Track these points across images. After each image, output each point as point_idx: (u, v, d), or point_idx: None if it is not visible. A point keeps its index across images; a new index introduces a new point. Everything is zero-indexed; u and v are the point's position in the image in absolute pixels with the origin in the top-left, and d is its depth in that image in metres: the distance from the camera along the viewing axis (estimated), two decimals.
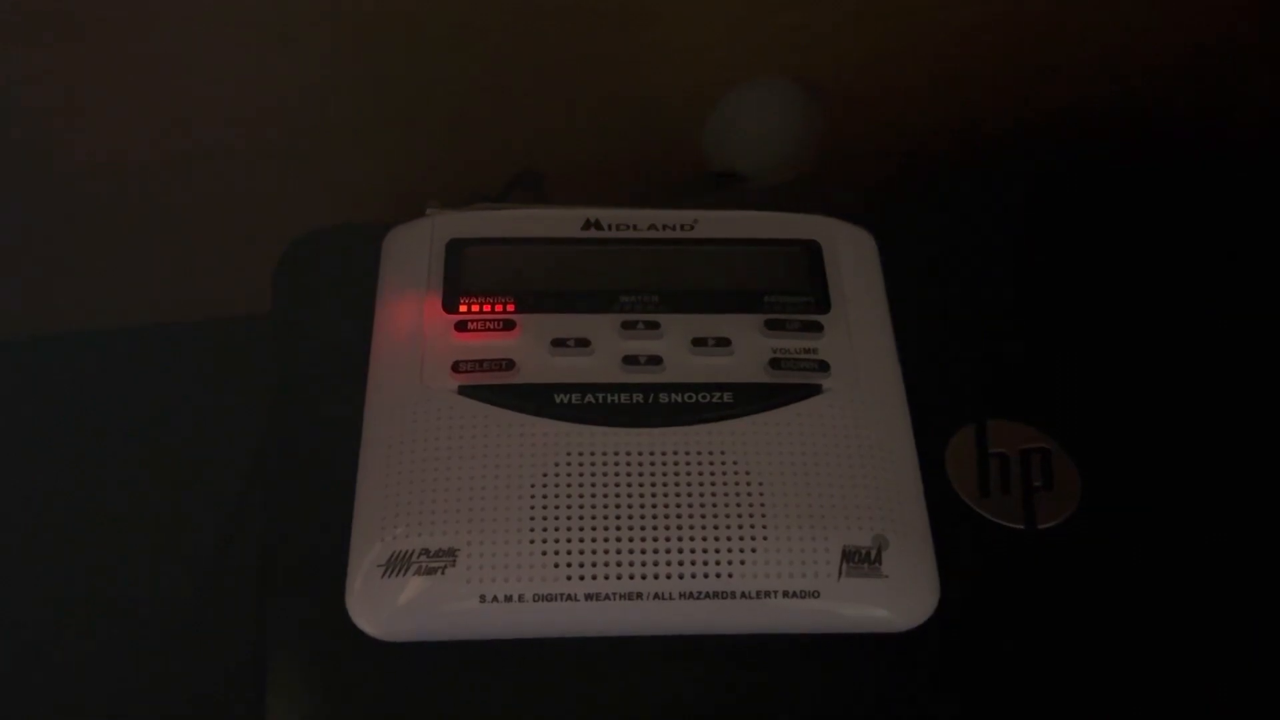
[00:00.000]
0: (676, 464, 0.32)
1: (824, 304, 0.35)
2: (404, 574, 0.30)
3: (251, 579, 0.34)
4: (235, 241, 0.48)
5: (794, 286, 0.36)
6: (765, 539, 0.31)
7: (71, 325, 0.53)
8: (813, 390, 0.33)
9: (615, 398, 0.33)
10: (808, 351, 0.34)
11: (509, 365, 0.33)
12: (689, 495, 0.31)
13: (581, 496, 0.31)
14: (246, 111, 0.49)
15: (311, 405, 0.36)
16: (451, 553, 0.30)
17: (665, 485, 0.31)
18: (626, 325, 0.34)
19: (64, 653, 0.42)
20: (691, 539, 0.30)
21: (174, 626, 0.42)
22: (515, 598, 0.30)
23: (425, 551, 0.30)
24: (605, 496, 0.31)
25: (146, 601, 0.43)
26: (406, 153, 0.51)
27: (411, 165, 0.51)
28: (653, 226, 0.37)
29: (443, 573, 0.30)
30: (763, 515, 0.31)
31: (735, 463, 0.32)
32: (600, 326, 0.34)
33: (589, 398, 0.33)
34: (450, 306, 0.35)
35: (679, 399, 0.33)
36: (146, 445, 0.47)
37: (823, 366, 0.34)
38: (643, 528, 0.30)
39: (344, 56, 0.48)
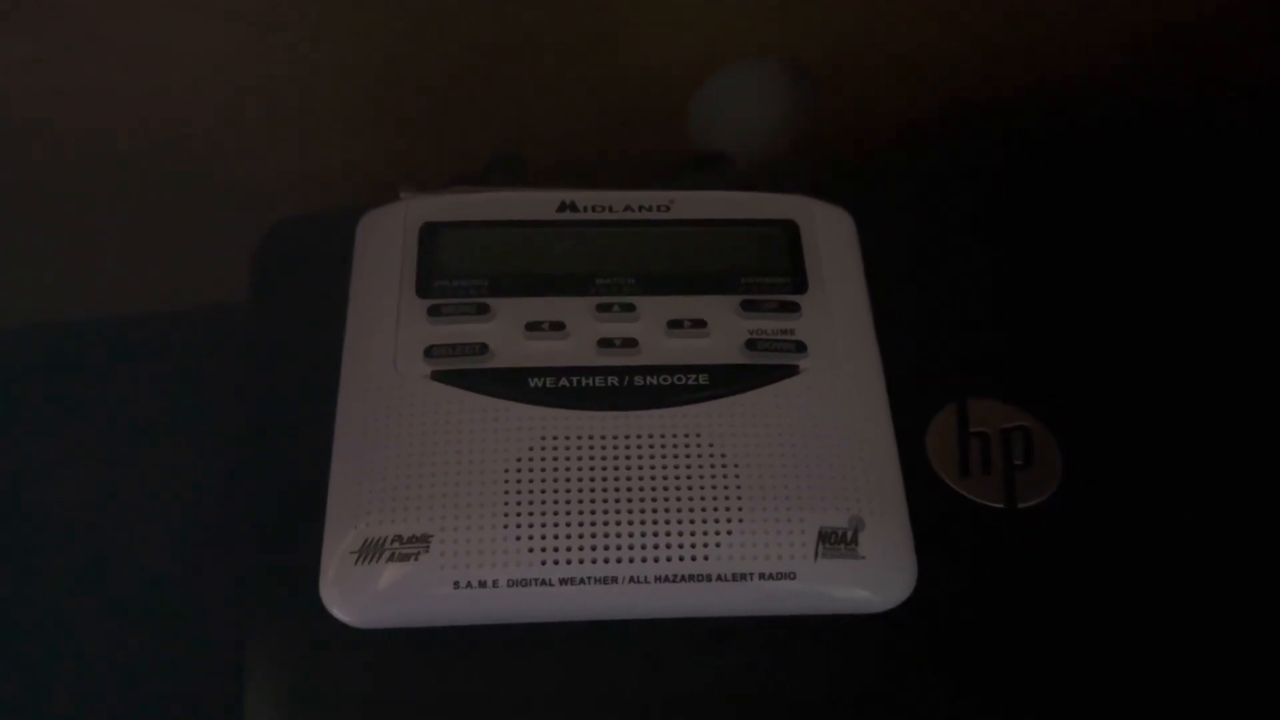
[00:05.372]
0: (652, 447, 0.31)
1: (801, 284, 0.35)
2: (377, 561, 0.30)
3: (227, 568, 0.34)
4: (210, 229, 0.48)
5: (771, 267, 0.35)
6: (741, 521, 0.30)
7: (44, 316, 0.52)
8: (790, 371, 0.33)
9: (590, 381, 0.32)
10: (785, 332, 0.34)
11: (483, 350, 0.33)
12: (664, 478, 0.31)
13: (556, 481, 0.31)
14: (221, 99, 0.49)
15: (287, 393, 0.36)
16: (425, 539, 0.30)
17: (641, 468, 0.31)
18: (602, 308, 0.34)
19: (40, 640, 0.42)
20: (667, 522, 0.30)
21: (150, 616, 0.42)
22: (490, 583, 0.30)
23: (398, 538, 0.30)
24: (580, 480, 0.31)
25: (122, 591, 0.43)
26: (383, 139, 0.51)
27: (388, 151, 0.51)
28: (629, 208, 0.36)
29: (416, 559, 0.30)
30: (739, 497, 0.31)
31: (711, 445, 0.31)
32: (575, 310, 0.34)
33: (564, 381, 0.32)
34: (424, 291, 0.34)
35: (655, 381, 0.32)
36: (120, 435, 0.47)
37: (800, 347, 0.33)
38: (618, 511, 0.30)
39: (318, 43, 0.48)
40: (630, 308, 0.34)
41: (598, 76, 0.51)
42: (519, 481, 0.31)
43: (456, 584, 0.30)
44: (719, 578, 0.30)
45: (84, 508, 0.45)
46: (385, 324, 0.34)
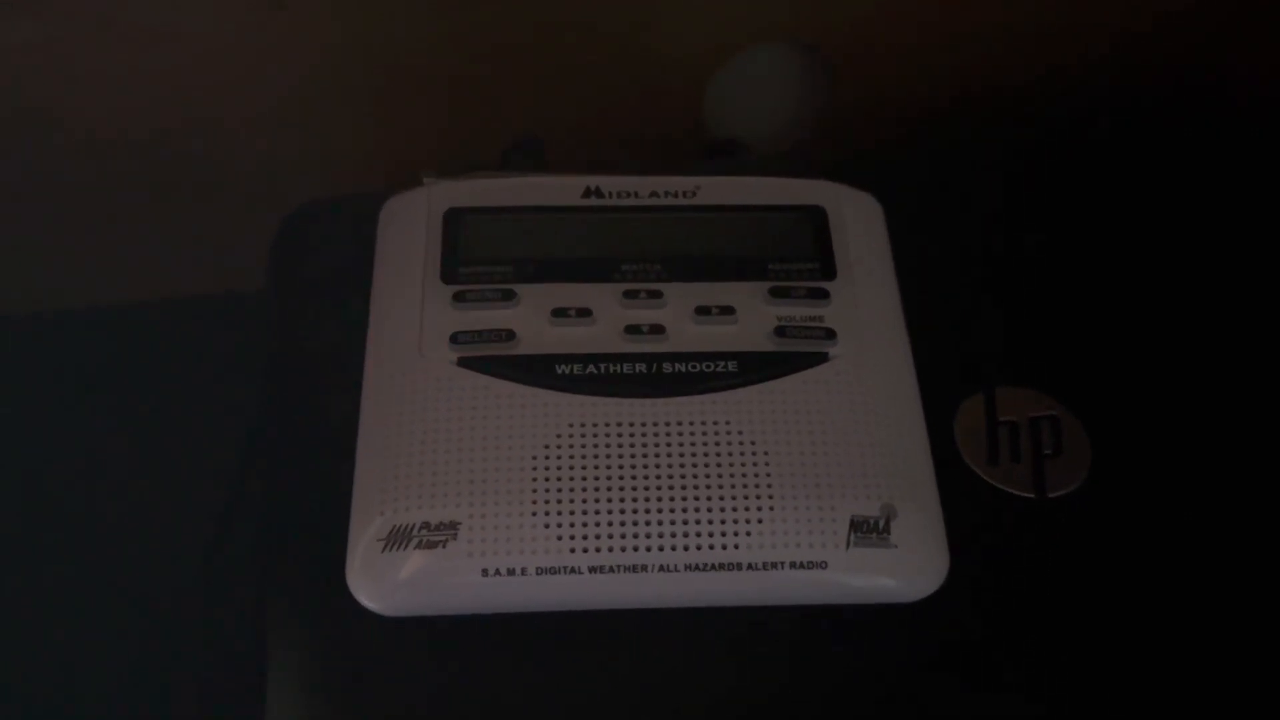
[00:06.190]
0: (681, 434, 0.31)
1: (829, 270, 0.35)
2: (405, 548, 0.30)
3: (252, 556, 0.34)
4: (229, 215, 0.47)
5: (799, 253, 0.35)
6: (771, 509, 0.30)
7: (66, 303, 0.52)
8: (819, 358, 0.33)
9: (618, 368, 0.32)
10: (813, 319, 0.33)
11: (509, 336, 0.33)
12: (694, 466, 0.31)
13: (584, 468, 0.30)
14: (239, 84, 0.49)
15: (310, 380, 0.36)
16: (453, 526, 0.30)
17: (669, 456, 0.31)
18: (628, 294, 0.33)
19: (62, 631, 0.42)
20: (697, 510, 0.30)
21: (174, 604, 0.41)
22: (518, 571, 0.29)
23: (426, 525, 0.30)
24: (609, 468, 0.30)
25: (146, 579, 0.42)
26: (403, 122, 0.51)
27: (409, 135, 0.50)
28: (654, 194, 0.36)
29: (444, 546, 0.29)
30: (769, 485, 0.30)
31: (740, 432, 0.31)
32: (602, 296, 0.33)
33: (591, 368, 0.32)
34: (448, 277, 0.34)
35: (682, 368, 0.32)
36: (144, 423, 0.47)
37: (829, 334, 0.33)
38: (647, 499, 0.30)
39: (337, 26, 0.48)
40: (657, 294, 0.33)
41: (615, 62, 0.50)
42: (547, 469, 0.30)
43: (485, 572, 0.29)
44: (749, 566, 0.30)
45: (106, 495, 0.44)
46: (410, 310, 0.33)
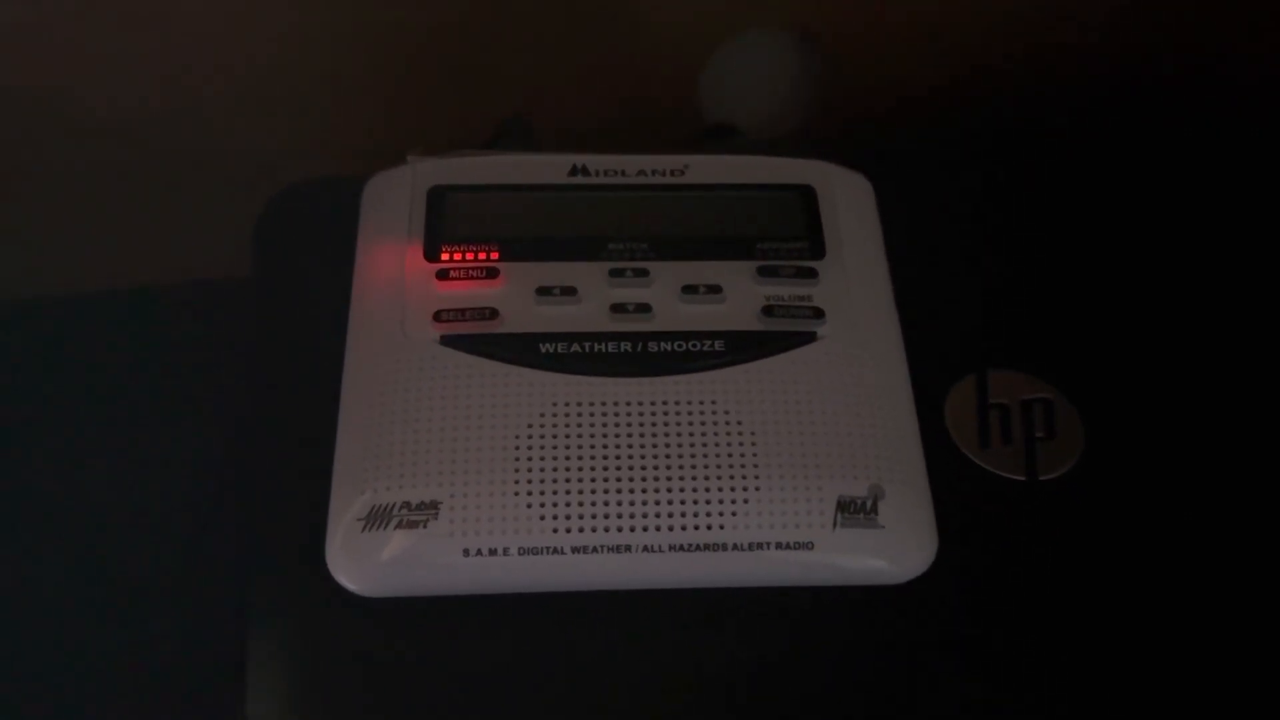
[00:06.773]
0: (666, 414, 0.31)
1: (819, 250, 0.34)
2: (385, 528, 0.29)
3: (234, 538, 0.33)
4: (213, 197, 0.47)
5: (788, 232, 0.35)
6: (758, 489, 0.30)
7: (46, 290, 0.52)
8: (807, 338, 0.32)
9: (603, 347, 0.32)
10: (802, 299, 0.33)
11: (492, 314, 0.32)
12: (679, 445, 0.30)
13: (568, 448, 0.30)
14: (223, 65, 0.48)
15: (293, 361, 0.35)
16: (434, 505, 0.29)
17: (655, 436, 0.30)
18: (615, 273, 0.33)
19: (43, 614, 0.42)
20: (682, 490, 0.30)
21: (156, 587, 0.41)
22: (500, 551, 0.29)
23: (406, 504, 0.29)
24: (593, 447, 0.30)
25: (128, 563, 0.42)
26: (389, 105, 0.50)
27: (394, 118, 0.50)
28: (642, 172, 0.36)
29: (425, 526, 0.29)
30: (755, 465, 0.30)
31: (727, 412, 0.31)
32: (587, 274, 0.33)
33: (575, 347, 0.32)
34: (432, 255, 0.34)
35: (669, 348, 0.32)
36: (127, 409, 0.46)
37: (817, 314, 0.33)
38: (631, 479, 0.30)
39: (322, 6, 0.47)
40: (644, 273, 0.33)
41: (608, 42, 0.50)
42: (530, 448, 0.30)
43: (466, 552, 0.29)
44: (735, 547, 0.29)
45: (90, 482, 0.44)
46: (393, 288, 0.33)
